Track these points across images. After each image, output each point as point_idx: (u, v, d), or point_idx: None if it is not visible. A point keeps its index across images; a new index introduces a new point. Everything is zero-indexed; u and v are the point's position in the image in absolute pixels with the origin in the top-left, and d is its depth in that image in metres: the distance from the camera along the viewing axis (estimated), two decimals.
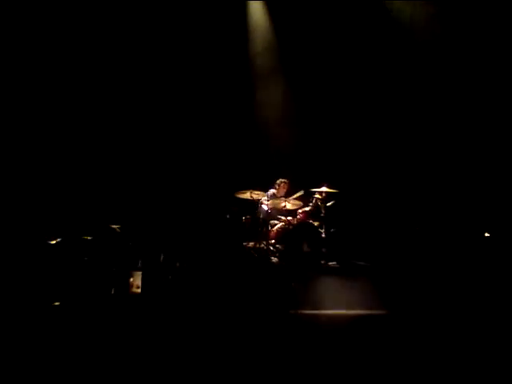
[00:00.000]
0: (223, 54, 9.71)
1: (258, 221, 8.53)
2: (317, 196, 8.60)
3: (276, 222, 8.72)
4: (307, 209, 8.69)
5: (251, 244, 8.40)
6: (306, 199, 8.72)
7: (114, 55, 9.23)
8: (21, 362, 4.36)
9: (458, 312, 6.43)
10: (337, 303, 7.23)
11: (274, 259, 8.32)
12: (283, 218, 8.69)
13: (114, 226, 7.79)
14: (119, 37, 9.16)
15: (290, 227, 8.49)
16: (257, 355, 4.76)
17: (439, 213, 8.92)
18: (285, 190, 9.00)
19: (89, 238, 7.36)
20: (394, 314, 6.58)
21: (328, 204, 8.60)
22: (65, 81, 8.99)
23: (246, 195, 8.57)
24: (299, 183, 8.94)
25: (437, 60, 9.24)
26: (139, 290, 7.47)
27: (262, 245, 8.32)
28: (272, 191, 9.02)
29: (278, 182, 9.07)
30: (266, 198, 8.74)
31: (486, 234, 7.89)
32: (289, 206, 8.67)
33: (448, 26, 9.03)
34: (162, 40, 9.40)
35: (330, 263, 8.30)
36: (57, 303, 6.74)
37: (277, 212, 8.78)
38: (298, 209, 8.74)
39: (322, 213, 8.57)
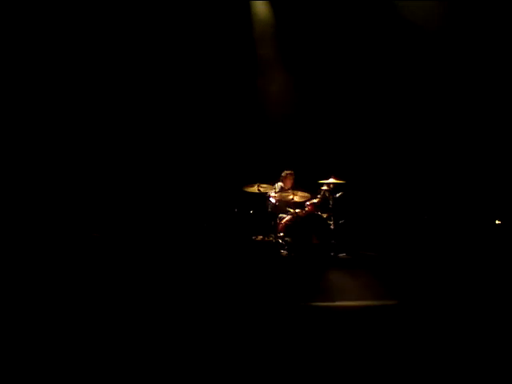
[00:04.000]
0: (229, 49, 9.66)
1: (266, 214, 8.51)
2: (324, 188, 8.59)
3: (284, 214, 8.69)
4: (315, 201, 8.67)
5: (260, 237, 8.39)
6: (313, 191, 8.70)
7: (122, 51, 9.21)
8: (32, 360, 4.37)
9: (468, 302, 6.41)
10: (347, 294, 7.22)
11: (283, 252, 8.30)
12: (291, 210, 8.66)
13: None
14: (127, 31, 9.13)
15: (299, 220, 8.46)
16: (267, 348, 4.75)
17: (449, 201, 8.89)
18: (291, 182, 8.97)
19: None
20: (405, 305, 6.56)
21: (336, 195, 8.58)
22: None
23: (254, 189, 8.56)
24: (306, 175, 8.92)
25: (443, 54, 9.21)
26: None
27: (271, 238, 8.31)
28: (279, 184, 8.99)
29: (283, 174, 9.04)
30: (273, 190, 8.73)
31: (497, 222, 7.85)
32: (296, 199, 8.66)
33: (454, 25, 9.00)
34: (168, 37, 9.38)
35: (340, 255, 8.29)
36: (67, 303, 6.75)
37: (284, 204, 8.75)
38: (305, 201, 8.72)
39: (330, 204, 8.55)
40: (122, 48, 9.19)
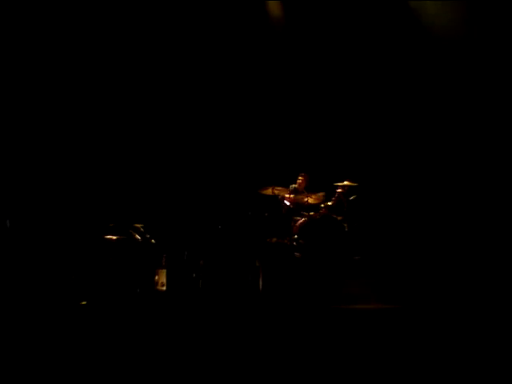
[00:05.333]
0: (243, 49, 9.68)
1: (280, 216, 8.52)
2: (339, 190, 8.58)
3: (298, 217, 8.70)
4: (329, 203, 8.66)
5: (274, 240, 8.39)
6: (328, 194, 8.70)
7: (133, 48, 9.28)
8: (45, 360, 4.41)
9: (479, 305, 6.38)
10: (361, 298, 7.21)
11: (298, 254, 8.30)
12: (306, 213, 8.66)
13: (137, 225, 7.85)
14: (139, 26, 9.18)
15: (313, 222, 8.46)
16: (281, 350, 4.76)
17: (465, 204, 8.83)
18: (305, 185, 8.97)
19: (113, 237, 7.42)
20: (418, 307, 6.54)
21: (350, 198, 8.57)
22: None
23: (268, 191, 8.58)
24: (321, 178, 8.93)
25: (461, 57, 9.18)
26: (164, 288, 7.52)
27: (286, 240, 8.32)
28: (293, 186, 8.99)
29: (298, 176, 9.06)
30: (287, 193, 8.74)
31: None
32: (311, 201, 8.66)
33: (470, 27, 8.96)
34: (184, 37, 9.42)
35: (354, 257, 8.28)
36: (83, 302, 6.82)
37: (299, 207, 8.75)
38: (320, 203, 8.71)
39: (344, 207, 8.55)
40: (126, 45, 9.25)
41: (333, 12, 9.51)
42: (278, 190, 8.61)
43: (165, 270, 7.63)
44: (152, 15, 9.18)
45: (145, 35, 9.29)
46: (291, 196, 8.70)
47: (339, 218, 8.44)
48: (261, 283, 7.52)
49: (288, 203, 8.72)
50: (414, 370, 4.20)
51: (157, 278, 7.45)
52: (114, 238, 7.40)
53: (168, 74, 9.55)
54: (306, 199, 8.63)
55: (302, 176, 8.97)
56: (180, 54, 9.54)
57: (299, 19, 9.69)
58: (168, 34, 9.34)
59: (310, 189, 8.85)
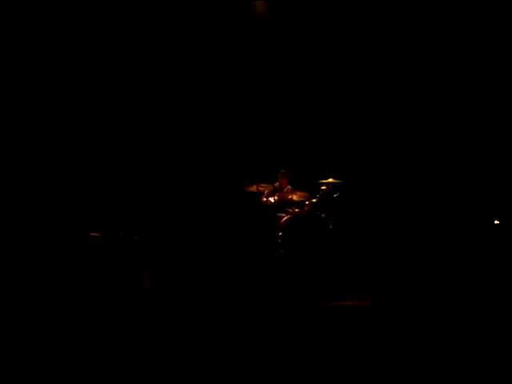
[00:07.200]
0: (228, 49, 9.66)
1: (264, 213, 8.55)
2: (323, 188, 8.62)
3: (283, 214, 8.72)
4: (314, 200, 8.70)
5: (259, 236, 8.41)
6: (312, 191, 8.74)
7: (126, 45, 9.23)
8: (29, 359, 4.37)
9: (467, 302, 6.45)
10: (345, 294, 7.26)
11: (282, 251, 8.33)
12: (290, 209, 8.69)
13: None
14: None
15: (297, 219, 8.49)
16: (266, 349, 4.78)
17: (447, 201, 8.93)
18: (286, 181, 9.00)
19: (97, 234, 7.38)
20: (404, 304, 6.60)
21: (334, 195, 8.62)
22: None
23: (253, 188, 8.59)
24: (305, 175, 8.96)
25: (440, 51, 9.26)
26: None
27: (270, 237, 8.34)
28: (276, 185, 9.02)
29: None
30: (272, 190, 8.76)
31: (496, 222, 7.89)
32: (295, 198, 8.69)
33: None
34: (167, 35, 9.38)
35: (337, 253, 8.33)
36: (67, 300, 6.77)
37: (283, 204, 8.78)
38: (304, 200, 8.75)
39: (328, 204, 8.59)
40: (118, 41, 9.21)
41: (316, 11, 9.55)
42: (262, 187, 8.63)
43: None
44: (138, 13, 9.12)
45: (130, 34, 9.24)
46: (271, 193, 8.74)
47: (323, 215, 8.49)
48: (245, 280, 7.53)
49: (272, 200, 8.74)
50: (399, 367, 4.25)
51: (143, 275, 7.43)
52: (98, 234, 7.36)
53: (151, 73, 9.51)
54: (290, 196, 8.66)
55: (281, 173, 8.99)
56: (163, 52, 9.51)
57: (283, 18, 9.71)
58: (151, 31, 9.30)
59: (294, 186, 8.88)
